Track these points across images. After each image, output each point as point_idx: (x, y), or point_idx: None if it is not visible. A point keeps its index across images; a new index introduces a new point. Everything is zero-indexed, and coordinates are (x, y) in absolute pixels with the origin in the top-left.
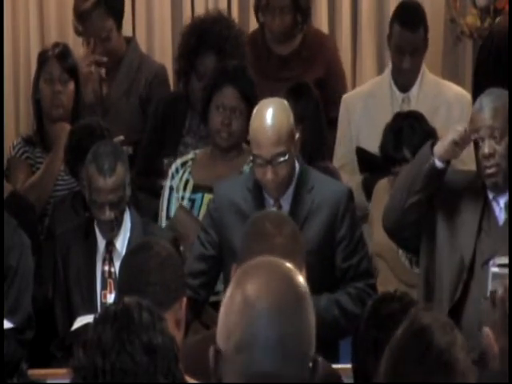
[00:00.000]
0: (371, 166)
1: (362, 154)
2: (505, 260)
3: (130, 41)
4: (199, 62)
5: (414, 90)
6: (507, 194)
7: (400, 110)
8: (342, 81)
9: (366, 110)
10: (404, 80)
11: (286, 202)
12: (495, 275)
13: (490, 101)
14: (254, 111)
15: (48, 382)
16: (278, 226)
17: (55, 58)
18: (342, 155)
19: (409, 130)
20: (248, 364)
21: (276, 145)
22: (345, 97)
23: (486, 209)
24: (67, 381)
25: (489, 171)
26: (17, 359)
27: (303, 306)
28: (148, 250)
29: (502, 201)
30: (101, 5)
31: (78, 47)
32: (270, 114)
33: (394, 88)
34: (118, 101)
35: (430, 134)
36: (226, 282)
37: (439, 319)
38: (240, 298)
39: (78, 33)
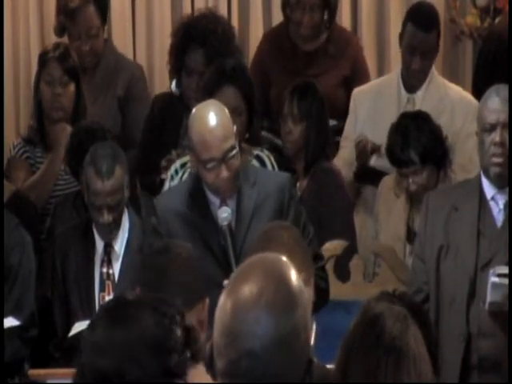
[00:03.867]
0: (371, 179)
1: (362, 171)
2: (504, 270)
3: (107, 42)
4: (187, 58)
5: (420, 92)
6: (507, 192)
7: (404, 110)
8: (367, 79)
9: (373, 106)
10: (412, 80)
11: (231, 200)
12: (495, 285)
13: (504, 93)
14: (191, 119)
15: (48, 382)
16: (285, 227)
17: (56, 60)
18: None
19: (415, 131)
20: None
21: (225, 141)
22: (354, 91)
23: (483, 209)
24: (67, 381)
25: (496, 160)
26: (20, 357)
27: (296, 309)
28: (169, 252)
29: (502, 201)
30: (90, 2)
31: None
32: (211, 115)
33: (402, 87)
34: (94, 101)
35: (436, 135)
36: None
37: (392, 308)
38: (229, 307)
39: (58, 33)
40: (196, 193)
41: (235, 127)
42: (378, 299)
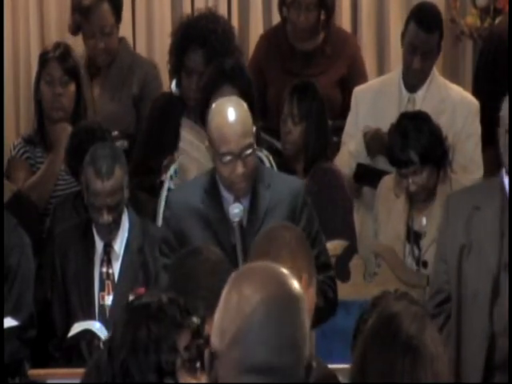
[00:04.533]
0: (370, 179)
1: (362, 170)
2: None
3: (121, 40)
4: (187, 58)
5: (421, 92)
6: None
7: (405, 109)
8: (364, 79)
9: (373, 105)
10: (412, 80)
11: (245, 199)
12: None
13: None
14: (212, 113)
15: (48, 382)
16: (288, 227)
17: (56, 60)
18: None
19: (415, 132)
20: (243, 356)
21: (243, 137)
22: (356, 89)
23: (505, 208)
24: (67, 381)
25: None
26: (20, 358)
27: (297, 308)
28: (199, 255)
29: None
30: (104, 0)
31: (78, 47)
32: (231, 110)
33: (402, 87)
34: (110, 100)
35: (436, 135)
36: None
37: (410, 307)
38: (236, 297)
39: (73, 31)
40: (211, 189)
41: (254, 128)
42: (397, 298)
